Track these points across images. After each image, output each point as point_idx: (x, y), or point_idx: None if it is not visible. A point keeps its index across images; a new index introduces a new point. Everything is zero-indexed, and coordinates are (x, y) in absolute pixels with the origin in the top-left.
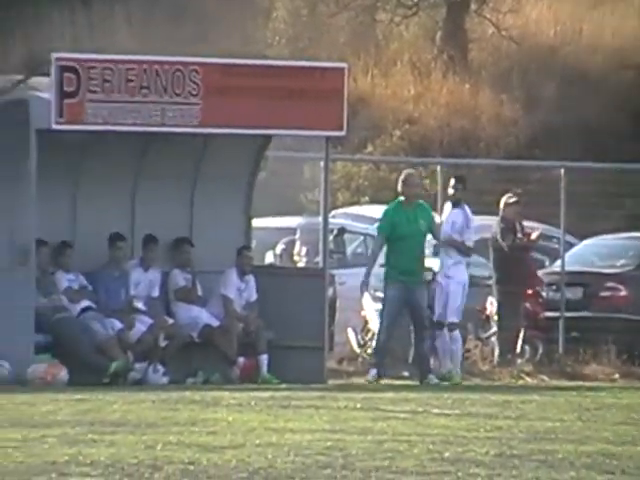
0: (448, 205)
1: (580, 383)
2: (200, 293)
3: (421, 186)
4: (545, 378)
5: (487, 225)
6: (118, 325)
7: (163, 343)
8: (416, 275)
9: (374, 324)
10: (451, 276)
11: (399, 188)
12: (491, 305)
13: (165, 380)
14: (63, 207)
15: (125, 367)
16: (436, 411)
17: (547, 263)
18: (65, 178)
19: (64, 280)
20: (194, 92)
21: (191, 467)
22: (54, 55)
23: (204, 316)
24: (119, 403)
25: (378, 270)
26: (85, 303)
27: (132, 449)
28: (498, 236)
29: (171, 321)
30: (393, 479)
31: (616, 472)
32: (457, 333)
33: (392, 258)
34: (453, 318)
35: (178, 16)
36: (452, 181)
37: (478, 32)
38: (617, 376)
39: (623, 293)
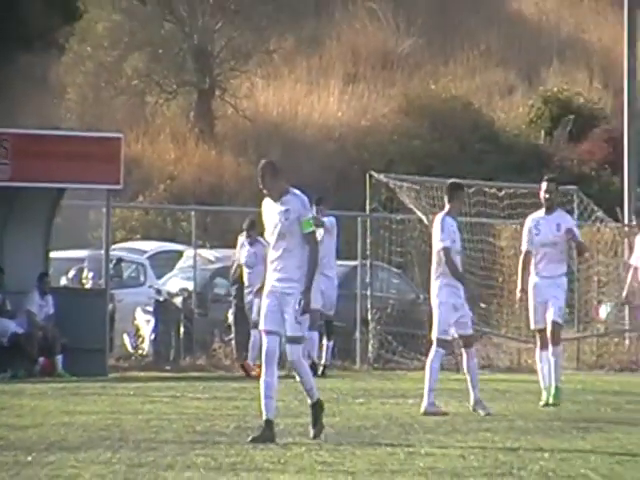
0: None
1: None
2: (9, 308)
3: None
4: None
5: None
6: None
7: None
8: None
9: (144, 331)
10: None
11: None
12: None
13: None
14: None
15: None
16: (191, 395)
17: None
18: None
19: None
20: (3, 154)
21: (1, 442)
22: None
23: (12, 326)
24: None
25: (148, 290)
26: None
27: None
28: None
29: None
30: (157, 447)
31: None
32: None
33: None
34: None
35: None
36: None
37: (222, 111)
38: None
39: None
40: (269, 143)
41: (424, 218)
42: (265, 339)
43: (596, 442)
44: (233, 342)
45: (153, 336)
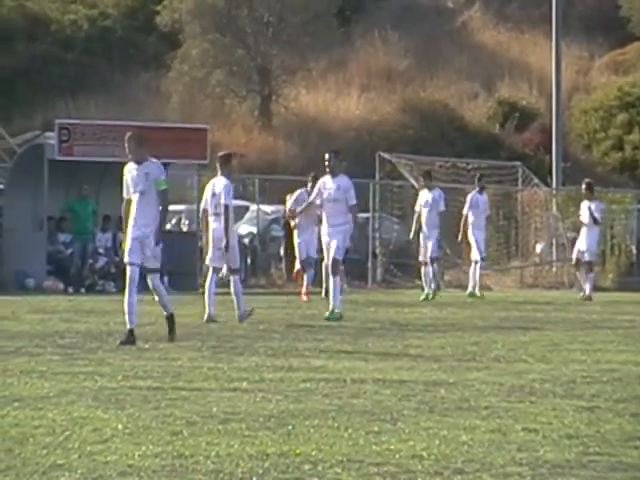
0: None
1: None
2: None
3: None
4: None
5: None
6: None
7: None
8: None
9: None
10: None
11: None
12: None
13: None
14: None
15: None
16: (255, 305)
17: None
18: None
19: None
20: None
21: None
22: None
23: None
24: None
25: None
26: None
27: None
28: None
29: None
30: (232, 340)
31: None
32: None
33: None
34: None
35: None
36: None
37: (277, 110)
38: None
39: None
40: (309, 132)
41: (415, 184)
42: (129, 269)
43: (533, 337)
44: (283, 268)
45: None
